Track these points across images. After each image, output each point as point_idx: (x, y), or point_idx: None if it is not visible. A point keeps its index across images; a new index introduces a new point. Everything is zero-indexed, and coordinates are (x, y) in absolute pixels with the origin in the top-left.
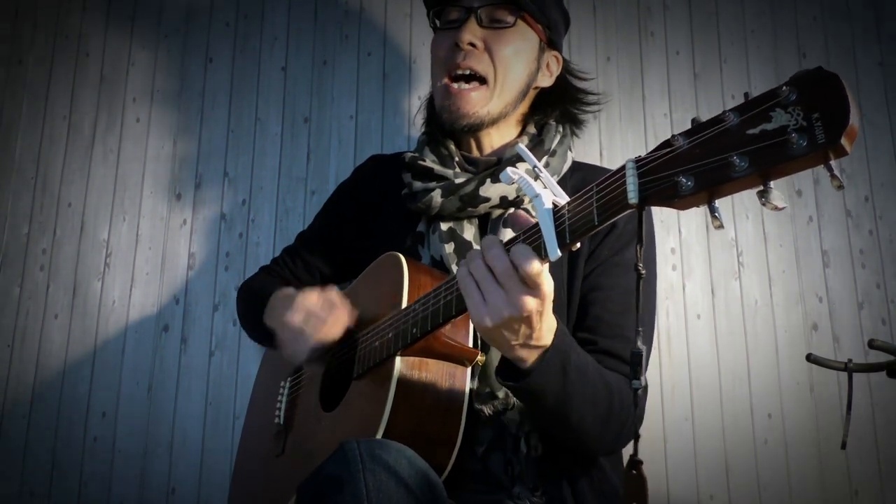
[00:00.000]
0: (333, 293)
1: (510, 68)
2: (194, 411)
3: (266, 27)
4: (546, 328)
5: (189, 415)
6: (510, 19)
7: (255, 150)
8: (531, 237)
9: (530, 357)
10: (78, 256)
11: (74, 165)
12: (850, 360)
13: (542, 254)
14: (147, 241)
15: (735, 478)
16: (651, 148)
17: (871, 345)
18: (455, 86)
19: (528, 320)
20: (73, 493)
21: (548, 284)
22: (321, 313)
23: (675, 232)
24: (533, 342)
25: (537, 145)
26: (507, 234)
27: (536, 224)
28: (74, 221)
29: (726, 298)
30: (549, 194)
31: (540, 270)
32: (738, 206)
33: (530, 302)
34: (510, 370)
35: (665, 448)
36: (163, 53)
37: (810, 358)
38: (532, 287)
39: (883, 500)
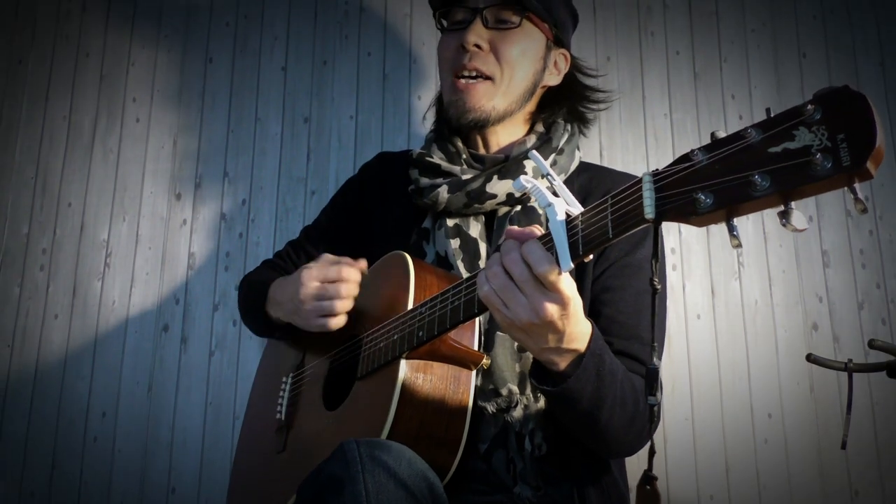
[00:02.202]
0: (327, 255)
1: (516, 68)
2: (194, 411)
3: (266, 27)
4: (578, 332)
5: (189, 415)
6: (515, 19)
7: (255, 150)
8: (543, 246)
9: (562, 361)
10: (78, 256)
11: (74, 165)
12: (850, 360)
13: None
14: (147, 241)
15: (735, 478)
16: (650, 148)
17: (871, 345)
18: (462, 81)
19: (551, 325)
20: (73, 493)
21: (568, 288)
22: (332, 274)
23: (675, 232)
24: (564, 345)
25: (545, 143)
26: None
27: (548, 234)
28: (74, 221)
29: (726, 298)
30: (561, 203)
31: (552, 270)
32: None
33: (550, 308)
34: (543, 374)
35: (665, 448)
36: (163, 53)
37: (810, 358)
38: (551, 291)
39: (883, 500)
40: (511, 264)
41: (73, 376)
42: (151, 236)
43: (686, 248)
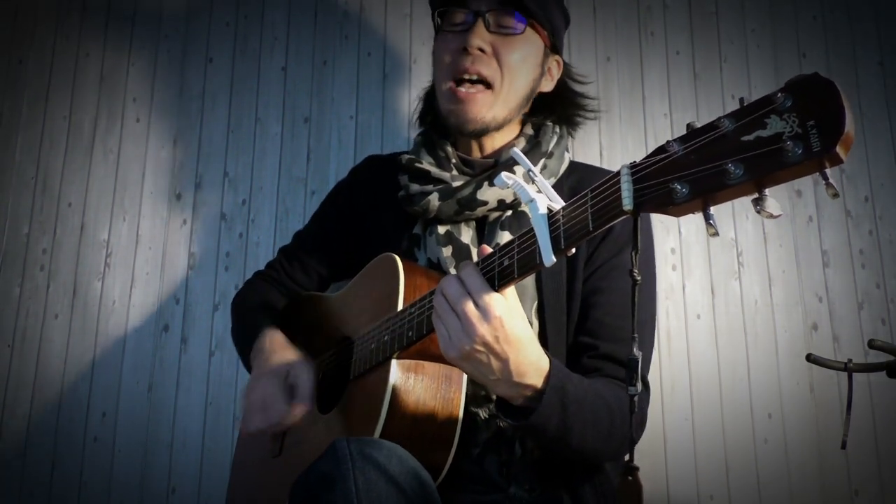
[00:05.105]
0: (301, 405)
1: (517, 75)
2: (194, 411)
3: (266, 27)
4: (528, 364)
5: (189, 415)
6: (519, 26)
7: (255, 150)
8: (526, 242)
9: (518, 397)
10: (78, 256)
11: (74, 165)
12: (850, 360)
13: (537, 260)
14: (147, 241)
15: (735, 478)
16: (651, 148)
17: (871, 345)
18: (462, 89)
19: (490, 349)
20: (73, 493)
21: (498, 307)
22: (273, 415)
23: (675, 232)
24: (515, 379)
25: (534, 147)
26: (505, 236)
27: (531, 229)
28: (74, 221)
29: (726, 298)
30: (543, 199)
31: (484, 289)
32: (738, 206)
33: (482, 328)
34: (508, 407)
35: (665, 448)
36: (163, 53)
37: (810, 358)
38: (483, 312)
39: (883, 500)
40: (447, 289)
41: (73, 376)
42: (151, 236)
43: (686, 248)
